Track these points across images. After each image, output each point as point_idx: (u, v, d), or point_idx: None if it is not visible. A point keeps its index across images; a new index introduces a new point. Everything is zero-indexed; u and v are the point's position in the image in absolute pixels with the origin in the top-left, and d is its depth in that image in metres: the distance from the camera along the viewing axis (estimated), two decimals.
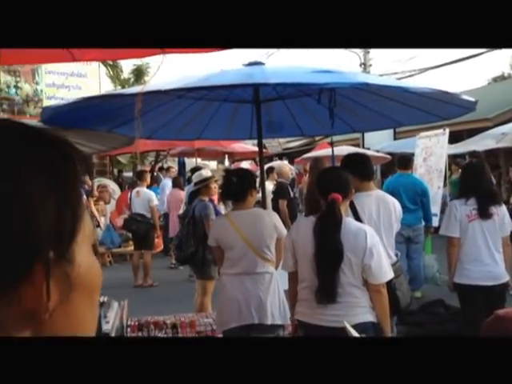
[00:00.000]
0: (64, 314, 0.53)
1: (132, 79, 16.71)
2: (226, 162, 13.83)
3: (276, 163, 9.77)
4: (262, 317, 3.45)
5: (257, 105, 4.41)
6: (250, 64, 4.08)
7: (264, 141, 7.32)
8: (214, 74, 3.78)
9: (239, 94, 4.66)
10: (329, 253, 2.86)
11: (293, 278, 3.15)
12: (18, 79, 11.24)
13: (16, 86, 11.29)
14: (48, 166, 0.53)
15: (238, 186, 3.61)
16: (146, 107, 4.40)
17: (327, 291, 2.87)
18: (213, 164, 15.60)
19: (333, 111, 3.56)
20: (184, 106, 5.03)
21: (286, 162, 11.54)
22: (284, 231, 3.66)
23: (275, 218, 3.70)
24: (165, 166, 13.55)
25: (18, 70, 11.41)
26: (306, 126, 5.48)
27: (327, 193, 2.94)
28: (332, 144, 7.10)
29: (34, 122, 4.94)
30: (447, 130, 8.22)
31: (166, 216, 9.69)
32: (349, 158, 3.88)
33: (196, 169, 7.87)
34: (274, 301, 3.50)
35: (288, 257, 3.16)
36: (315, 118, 5.04)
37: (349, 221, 3.01)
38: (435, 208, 7.59)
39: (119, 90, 4.60)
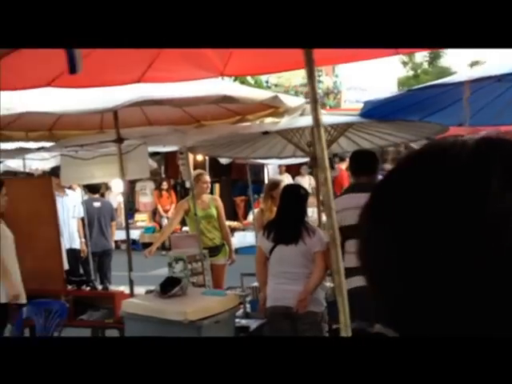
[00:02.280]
0: None
1: (425, 63, 16.29)
2: None
3: None
4: None
5: None
6: None
7: None
8: None
9: None
10: None
11: None
12: (320, 73, 12.06)
13: (318, 81, 12.12)
14: None
15: None
16: (460, 94, 4.20)
17: None
18: None
19: None
20: (501, 90, 4.65)
21: None
22: None
23: None
24: None
25: None
26: None
27: None
28: None
29: (352, 114, 5.21)
30: None
31: None
32: None
33: None
34: None
35: None
36: None
37: None
38: None
39: (442, 80, 4.48)
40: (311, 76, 2.44)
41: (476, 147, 0.54)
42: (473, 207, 0.49)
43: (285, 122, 4.52)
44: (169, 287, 4.10)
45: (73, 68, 1.68)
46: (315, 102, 2.41)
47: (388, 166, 11.77)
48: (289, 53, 3.18)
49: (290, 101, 4.49)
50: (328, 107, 12.22)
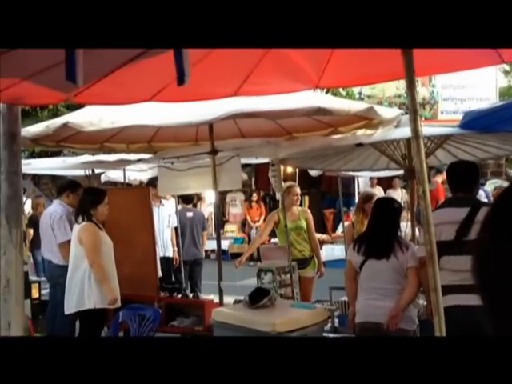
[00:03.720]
0: None
1: None
2: None
3: None
4: None
5: None
6: None
7: None
8: None
9: None
10: None
11: None
12: (416, 84, 11.66)
13: None
14: None
15: None
16: None
17: None
18: None
19: None
20: None
21: None
22: None
23: None
24: None
25: None
26: None
27: None
28: None
29: (449, 125, 5.00)
30: None
31: None
32: None
33: None
34: None
35: None
36: None
37: None
38: None
39: None
40: (411, 86, 2.36)
41: None
42: None
43: (379, 134, 4.41)
44: (258, 298, 4.12)
45: (181, 79, 1.75)
46: (415, 112, 2.33)
47: (489, 180, 11.15)
48: (385, 63, 3.11)
49: (385, 112, 4.38)
50: (424, 118, 11.82)
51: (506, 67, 15.61)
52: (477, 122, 4.25)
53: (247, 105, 4.11)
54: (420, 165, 2.32)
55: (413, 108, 2.34)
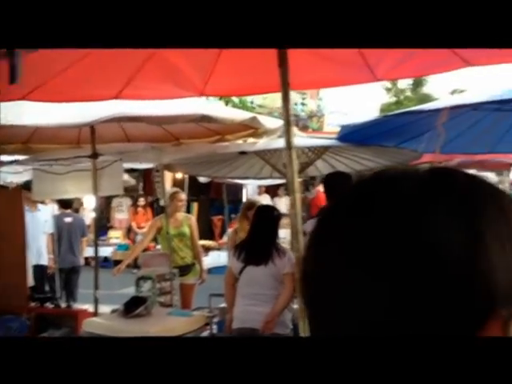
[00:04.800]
0: None
1: (408, 90, 16.56)
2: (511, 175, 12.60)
3: None
4: None
5: None
6: None
7: None
8: None
9: None
10: None
11: None
12: (305, 96, 12.12)
13: (302, 103, 12.19)
14: (501, 220, 0.50)
15: None
16: (436, 122, 4.26)
17: None
18: (491, 176, 14.33)
19: None
20: (477, 119, 4.73)
21: None
22: None
23: None
24: None
25: None
26: None
27: None
28: None
29: (328, 137, 5.23)
30: None
31: None
32: None
33: None
34: None
35: None
36: None
37: None
38: None
39: (418, 107, 4.55)
40: (285, 98, 2.43)
41: (424, 177, 0.53)
42: (413, 237, 0.49)
43: (262, 143, 4.51)
44: (133, 307, 4.02)
45: (13, 78, 1.65)
46: (288, 124, 2.40)
47: None
48: (268, 75, 3.18)
49: (269, 122, 4.49)
50: (310, 130, 12.29)
51: (388, 84, 16.73)
52: (353, 136, 4.49)
53: (131, 108, 3.99)
54: (291, 175, 2.38)
55: (286, 119, 2.40)
